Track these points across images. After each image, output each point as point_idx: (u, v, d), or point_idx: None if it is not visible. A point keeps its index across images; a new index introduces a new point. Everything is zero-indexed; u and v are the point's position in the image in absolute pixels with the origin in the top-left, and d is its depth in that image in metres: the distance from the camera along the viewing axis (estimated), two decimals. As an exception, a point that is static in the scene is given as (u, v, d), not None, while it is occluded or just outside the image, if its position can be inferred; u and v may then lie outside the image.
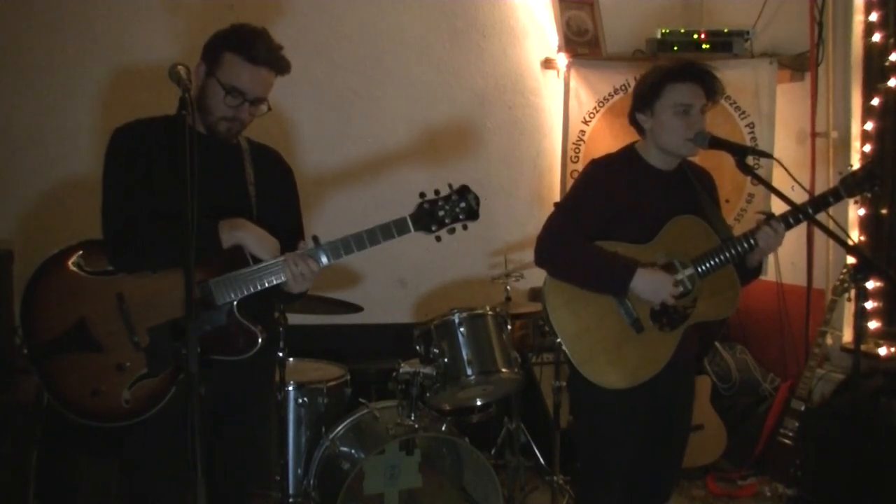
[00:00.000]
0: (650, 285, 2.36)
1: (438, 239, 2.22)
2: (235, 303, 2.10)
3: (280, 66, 2.18)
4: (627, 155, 2.55)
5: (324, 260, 2.13)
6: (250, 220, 2.18)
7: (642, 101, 2.47)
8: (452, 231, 2.23)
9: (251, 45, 2.12)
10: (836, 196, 2.45)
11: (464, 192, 2.21)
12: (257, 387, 2.34)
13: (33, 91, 3.84)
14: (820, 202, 2.45)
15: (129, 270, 2.10)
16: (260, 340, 2.13)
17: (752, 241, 2.41)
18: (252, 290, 2.10)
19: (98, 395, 2.08)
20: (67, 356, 2.08)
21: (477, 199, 2.22)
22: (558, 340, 2.45)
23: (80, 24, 3.88)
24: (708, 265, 2.43)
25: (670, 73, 2.43)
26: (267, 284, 2.10)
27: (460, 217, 2.21)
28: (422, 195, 2.20)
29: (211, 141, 2.17)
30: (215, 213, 2.09)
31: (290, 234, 2.23)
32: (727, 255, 2.43)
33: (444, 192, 2.21)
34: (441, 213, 2.19)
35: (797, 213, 2.41)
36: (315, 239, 2.15)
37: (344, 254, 2.14)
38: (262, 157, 2.33)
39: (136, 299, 2.09)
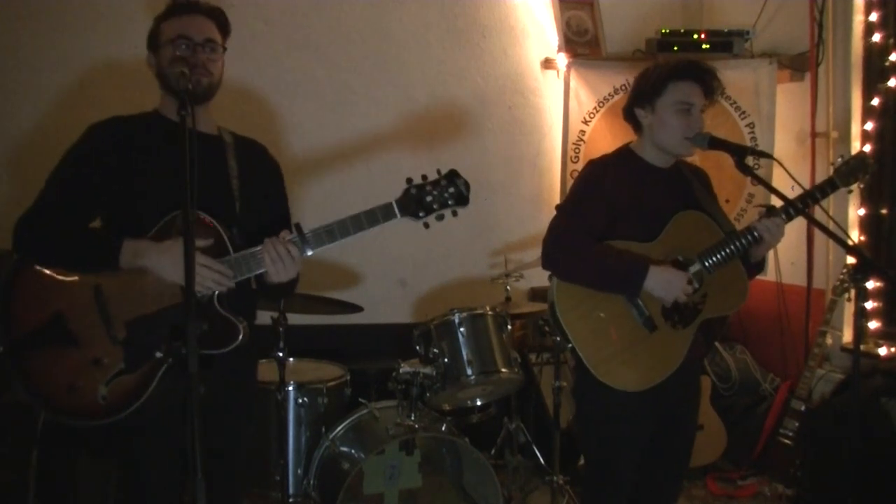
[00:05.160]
0: (664, 283, 2.33)
1: (427, 226, 2.13)
2: (216, 293, 2.04)
3: (210, 10, 2.18)
4: (624, 154, 2.54)
5: (307, 250, 2.06)
6: (233, 214, 2.15)
7: (643, 97, 2.46)
8: (441, 218, 2.13)
9: (175, 5, 2.16)
10: (832, 185, 2.46)
11: (452, 176, 2.13)
12: (239, 388, 2.27)
13: (32, 91, 3.84)
14: (817, 193, 2.46)
15: (26, 257, 2.07)
16: (241, 335, 2.05)
17: (755, 234, 2.41)
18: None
19: (74, 390, 2.02)
20: (43, 351, 2.04)
21: (467, 184, 2.14)
22: (570, 345, 2.40)
23: (81, 24, 3.88)
24: (714, 259, 2.41)
25: (675, 70, 2.42)
26: (248, 273, 2.05)
27: (449, 203, 2.12)
28: (409, 180, 2.12)
29: (191, 134, 2.09)
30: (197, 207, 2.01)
31: (276, 228, 2.17)
32: (732, 248, 2.41)
33: (433, 176, 2.13)
34: (429, 198, 2.10)
35: (796, 205, 2.41)
36: (297, 227, 2.09)
37: (327, 241, 2.07)
38: (247, 150, 2.29)
39: (113, 292, 2.03)
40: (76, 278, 2.06)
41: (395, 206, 2.10)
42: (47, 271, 2.07)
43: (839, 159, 2.52)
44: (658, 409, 2.46)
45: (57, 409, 2.05)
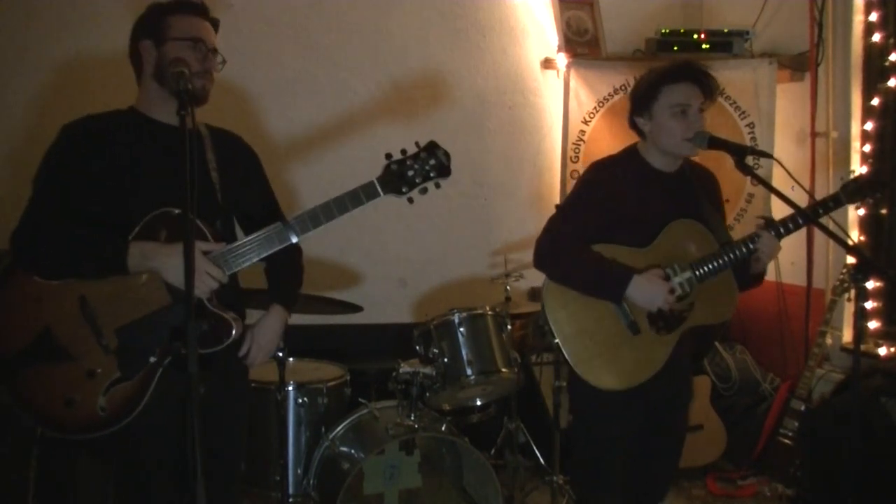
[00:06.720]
0: (645, 293, 2.37)
1: (411, 201, 2.12)
2: None
3: (212, 20, 2.17)
4: (629, 156, 2.55)
5: (293, 236, 2.05)
6: (215, 207, 2.13)
7: (639, 105, 2.48)
8: (424, 191, 2.12)
9: (187, 4, 2.12)
10: (836, 202, 2.45)
11: (432, 147, 2.11)
12: (235, 387, 2.27)
13: (32, 88, 3.84)
14: (819, 207, 2.45)
15: (32, 272, 2.02)
16: (234, 329, 2.04)
17: (750, 247, 2.43)
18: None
19: (72, 405, 1.98)
20: (35, 368, 1.99)
21: (447, 154, 2.11)
22: (556, 341, 2.45)
23: (82, 24, 3.87)
24: (705, 270, 2.43)
25: (666, 74, 2.43)
26: (235, 268, 2.03)
27: (431, 175, 2.10)
28: (388, 156, 2.09)
29: (169, 129, 2.08)
30: (178, 201, 1.98)
31: (262, 214, 2.18)
32: (725, 260, 2.43)
33: (412, 150, 2.11)
34: (410, 172, 2.08)
35: (795, 220, 2.43)
36: (281, 217, 2.08)
37: (312, 226, 2.06)
38: (224, 141, 2.27)
39: (100, 300, 1.99)
40: (59, 289, 2.01)
41: (376, 184, 2.09)
42: (28, 283, 2.02)
43: (850, 173, 2.51)
44: (646, 409, 2.49)
45: (56, 425, 2.02)
